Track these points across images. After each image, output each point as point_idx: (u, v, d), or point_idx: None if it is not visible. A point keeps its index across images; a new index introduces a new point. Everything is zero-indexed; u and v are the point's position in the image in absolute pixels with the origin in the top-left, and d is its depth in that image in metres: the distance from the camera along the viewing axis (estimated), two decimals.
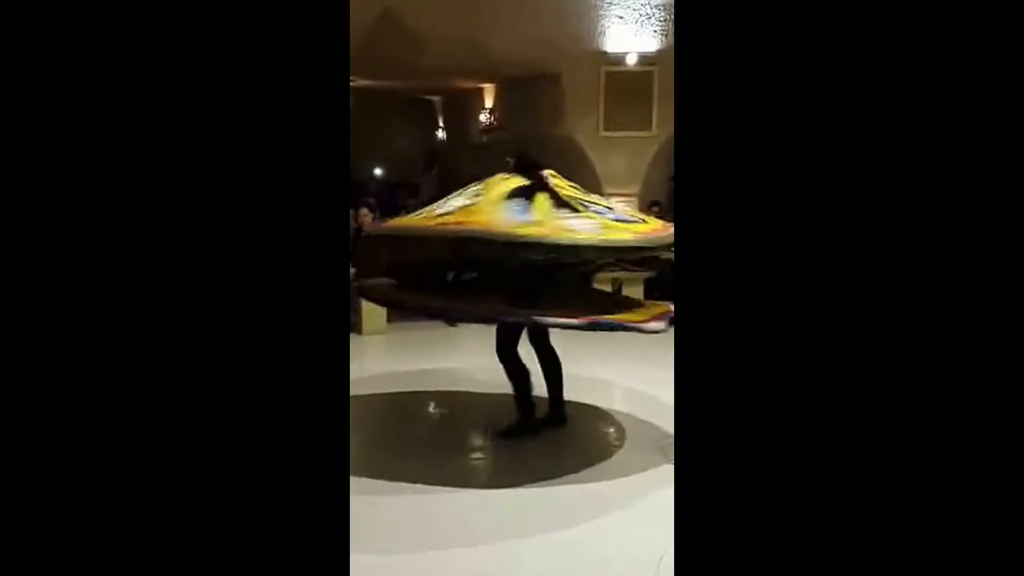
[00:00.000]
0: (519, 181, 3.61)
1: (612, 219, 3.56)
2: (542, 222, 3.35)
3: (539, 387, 4.04)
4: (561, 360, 4.08)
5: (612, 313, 3.52)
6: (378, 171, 12.99)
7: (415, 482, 3.34)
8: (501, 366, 3.92)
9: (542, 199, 3.52)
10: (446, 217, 3.48)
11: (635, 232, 3.52)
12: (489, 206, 3.44)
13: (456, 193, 3.76)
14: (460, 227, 3.35)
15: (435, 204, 3.78)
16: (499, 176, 3.71)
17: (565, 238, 3.26)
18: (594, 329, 3.41)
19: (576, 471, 3.47)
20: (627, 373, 5.17)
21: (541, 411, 4.03)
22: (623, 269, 7.28)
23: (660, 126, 8.63)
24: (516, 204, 3.44)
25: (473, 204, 3.50)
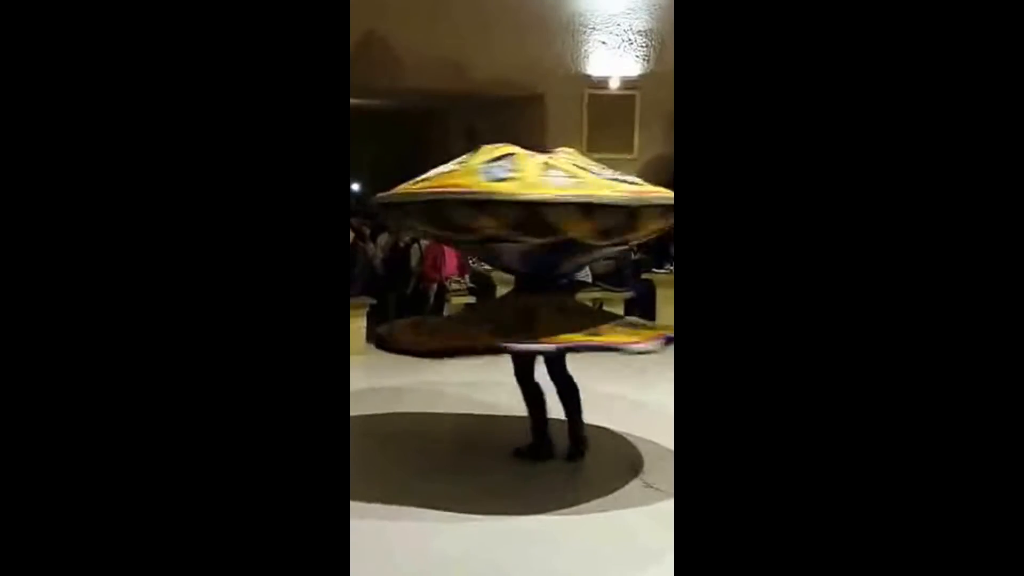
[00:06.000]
0: (508, 148, 3.48)
1: (607, 179, 3.41)
2: (520, 179, 3.20)
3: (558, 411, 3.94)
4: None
5: (601, 335, 3.41)
6: (364, 188, 12.98)
7: (406, 505, 3.24)
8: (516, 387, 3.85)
9: (530, 163, 3.35)
10: (425, 183, 3.35)
11: (619, 191, 3.32)
12: (469, 169, 3.33)
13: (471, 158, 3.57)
14: (437, 190, 3.23)
15: (449, 166, 3.58)
16: (488, 147, 3.58)
17: (534, 194, 3.09)
18: (577, 351, 3.33)
19: (570, 500, 3.37)
20: (626, 391, 5.12)
21: (557, 437, 3.89)
22: (602, 290, 7.32)
23: (641, 149, 8.73)
24: (498, 165, 3.31)
25: (455, 169, 3.39)
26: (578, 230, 3.25)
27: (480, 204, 3.14)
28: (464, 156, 3.56)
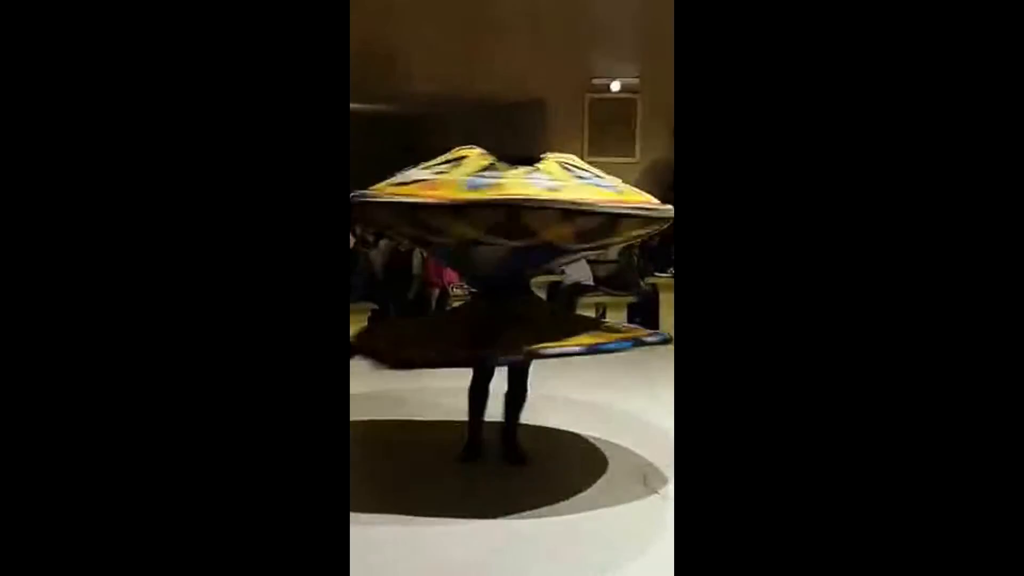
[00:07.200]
0: (488, 159, 3.46)
1: (591, 183, 3.41)
2: (503, 183, 3.16)
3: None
4: (547, 381, 4.02)
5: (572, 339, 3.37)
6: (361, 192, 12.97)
7: (387, 512, 3.26)
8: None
9: (552, 167, 3.36)
10: (481, 191, 3.11)
11: (600, 195, 3.31)
12: (515, 181, 3.20)
13: (431, 167, 3.47)
14: (509, 198, 3.04)
15: (423, 173, 3.43)
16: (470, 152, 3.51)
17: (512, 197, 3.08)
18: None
19: (555, 502, 3.40)
20: (614, 394, 5.13)
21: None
22: (605, 293, 7.29)
23: (643, 152, 8.72)
24: (531, 174, 3.25)
25: (500, 181, 3.20)
26: (556, 234, 3.23)
27: (458, 209, 3.08)
28: (445, 164, 3.46)
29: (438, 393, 5.01)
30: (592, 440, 4.35)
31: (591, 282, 7.39)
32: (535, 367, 3.94)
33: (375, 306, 6.66)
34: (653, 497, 3.45)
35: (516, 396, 3.89)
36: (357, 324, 6.32)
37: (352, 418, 4.52)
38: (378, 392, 5.27)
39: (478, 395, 3.87)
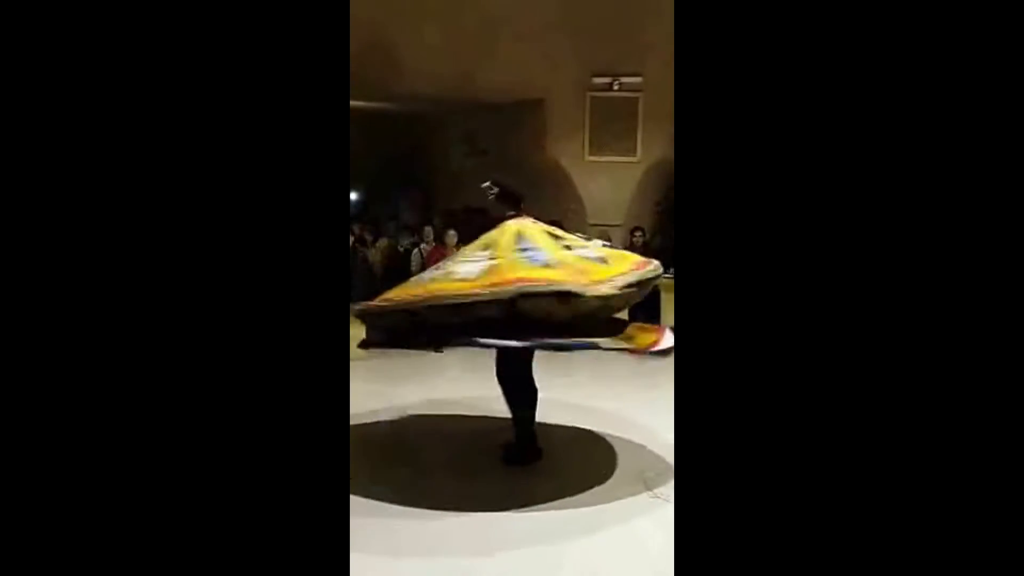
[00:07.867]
0: (515, 226, 3.61)
1: (604, 252, 3.58)
2: (563, 262, 3.34)
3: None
4: (551, 382, 4.02)
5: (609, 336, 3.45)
6: (361, 191, 12.95)
7: (394, 503, 3.29)
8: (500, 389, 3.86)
9: (542, 236, 3.51)
10: (477, 281, 3.27)
11: (635, 264, 3.56)
12: (509, 259, 3.34)
13: (453, 260, 3.67)
14: (511, 285, 3.15)
15: (428, 272, 3.65)
16: (495, 231, 3.66)
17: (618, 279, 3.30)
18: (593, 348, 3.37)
19: (561, 498, 3.42)
20: (617, 397, 5.13)
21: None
22: None
23: (645, 152, 8.70)
24: (527, 248, 3.38)
25: (495, 263, 3.34)
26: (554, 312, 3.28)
27: (456, 307, 3.18)
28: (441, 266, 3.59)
29: (443, 393, 5.02)
30: (595, 440, 4.35)
31: None
32: (539, 369, 3.96)
33: None
34: (655, 498, 3.45)
35: (528, 393, 3.88)
36: (356, 323, 6.35)
37: (366, 414, 4.57)
38: (381, 392, 5.28)
39: (518, 387, 3.82)
